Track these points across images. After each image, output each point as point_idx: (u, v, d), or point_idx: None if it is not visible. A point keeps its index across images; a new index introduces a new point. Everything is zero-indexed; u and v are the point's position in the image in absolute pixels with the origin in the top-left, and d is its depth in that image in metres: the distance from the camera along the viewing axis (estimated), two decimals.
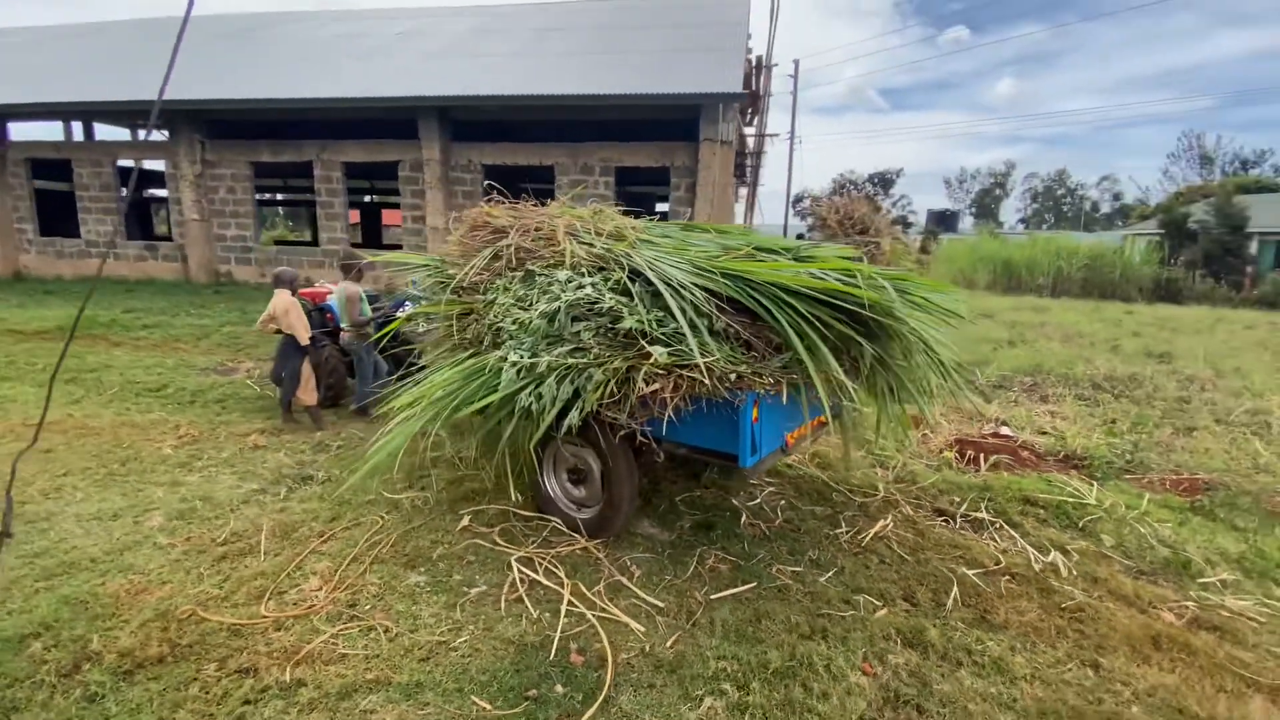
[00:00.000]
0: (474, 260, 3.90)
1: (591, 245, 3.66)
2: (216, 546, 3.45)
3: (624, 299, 3.27)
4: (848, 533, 3.86)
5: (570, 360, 3.15)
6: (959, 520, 4.05)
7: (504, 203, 4.35)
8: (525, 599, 3.06)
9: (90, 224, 14.05)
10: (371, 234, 23.30)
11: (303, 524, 3.71)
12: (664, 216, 17.23)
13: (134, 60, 15.06)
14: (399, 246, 16.40)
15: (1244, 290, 21.34)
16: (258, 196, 13.88)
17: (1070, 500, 4.24)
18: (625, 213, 4.33)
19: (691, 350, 2.87)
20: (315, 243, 13.80)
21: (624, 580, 3.27)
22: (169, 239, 15.32)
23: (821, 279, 2.98)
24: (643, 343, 3.10)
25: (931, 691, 2.53)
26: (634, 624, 2.92)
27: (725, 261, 3.23)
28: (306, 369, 5.43)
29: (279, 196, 24.83)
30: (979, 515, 4.08)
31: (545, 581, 3.21)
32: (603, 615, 2.96)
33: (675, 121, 11.85)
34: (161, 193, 20.47)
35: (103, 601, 2.94)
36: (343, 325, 5.68)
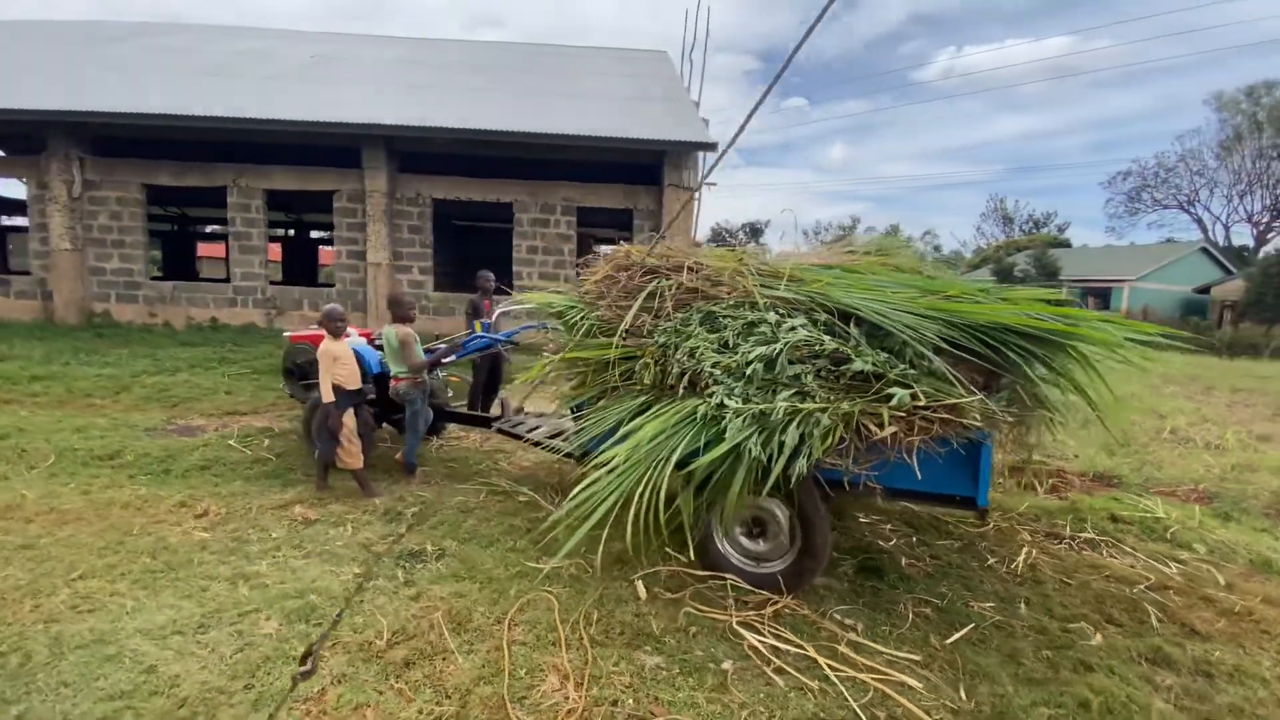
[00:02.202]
0: (637, 301, 3.64)
1: (772, 286, 3.58)
2: (387, 651, 2.80)
3: (841, 340, 3.22)
4: (1000, 563, 4.00)
5: (803, 406, 3.02)
6: (1076, 541, 4.36)
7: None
8: (789, 669, 2.81)
9: None
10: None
11: (470, 610, 3.13)
12: None
13: None
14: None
15: None
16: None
17: (1147, 516, 4.75)
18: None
19: (954, 390, 2.88)
20: (227, 278, 11.99)
21: (853, 636, 3.12)
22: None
23: (1045, 320, 3.14)
24: (877, 385, 3.06)
25: (1217, 705, 2.67)
26: (912, 681, 2.79)
27: (940, 303, 3.29)
28: (350, 426, 4.66)
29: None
30: (1088, 535, 4.43)
31: (784, 647, 2.98)
32: (876, 677, 2.79)
33: (636, 166, 12.03)
34: None
35: None
36: (396, 372, 4.97)
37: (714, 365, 3.26)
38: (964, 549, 4.24)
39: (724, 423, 3.05)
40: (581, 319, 3.78)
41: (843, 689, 2.69)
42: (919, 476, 3.01)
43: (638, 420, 3.34)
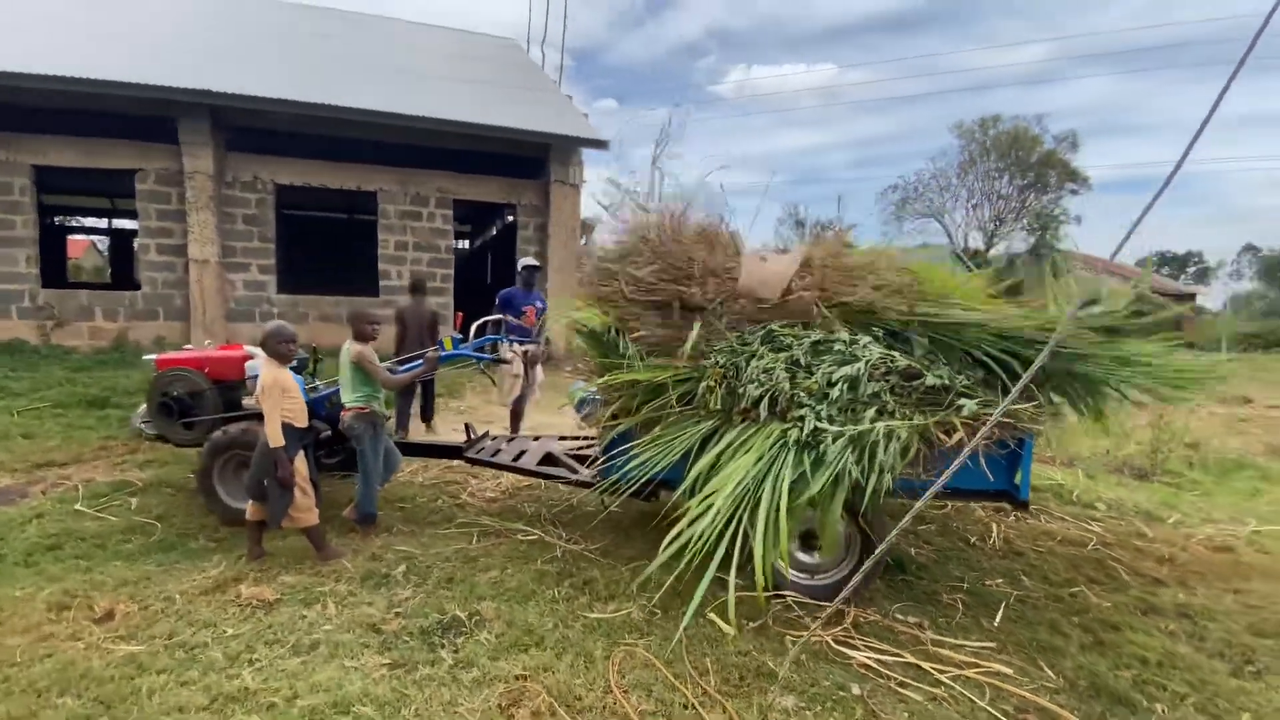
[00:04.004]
0: (696, 320, 3.40)
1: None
2: None
3: (907, 355, 3.33)
4: (979, 541, 4.48)
5: (895, 424, 3.07)
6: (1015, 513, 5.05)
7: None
8: (911, 682, 2.84)
9: None
10: None
11: (567, 685, 2.67)
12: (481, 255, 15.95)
13: None
14: None
15: None
16: None
17: (1051, 482, 5.66)
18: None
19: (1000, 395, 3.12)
20: None
21: (930, 634, 3.26)
22: None
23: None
24: (948, 397, 3.21)
25: (1215, 641, 3.25)
26: (1004, 668, 2.98)
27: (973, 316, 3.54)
28: (304, 473, 3.74)
29: None
30: None
31: (883, 658, 3.01)
32: (979, 672, 2.94)
33: (516, 158, 11.32)
34: None
35: None
36: (344, 401, 4.08)
37: (794, 386, 3.17)
38: (942, 531, 4.67)
39: (823, 447, 2.98)
40: (621, 338, 3.42)
41: (965, 692, 2.79)
42: (990, 479, 3.23)
43: (717, 449, 3.13)
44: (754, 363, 3.28)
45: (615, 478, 3.32)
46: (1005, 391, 3.28)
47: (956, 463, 2.56)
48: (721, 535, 2.79)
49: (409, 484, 5.21)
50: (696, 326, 3.37)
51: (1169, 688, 2.85)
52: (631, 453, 3.30)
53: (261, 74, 9.87)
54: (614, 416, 3.51)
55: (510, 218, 16.21)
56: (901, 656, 3.01)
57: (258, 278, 10.03)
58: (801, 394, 3.15)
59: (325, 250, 14.84)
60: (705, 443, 3.27)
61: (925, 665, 2.95)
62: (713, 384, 3.30)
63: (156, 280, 9.51)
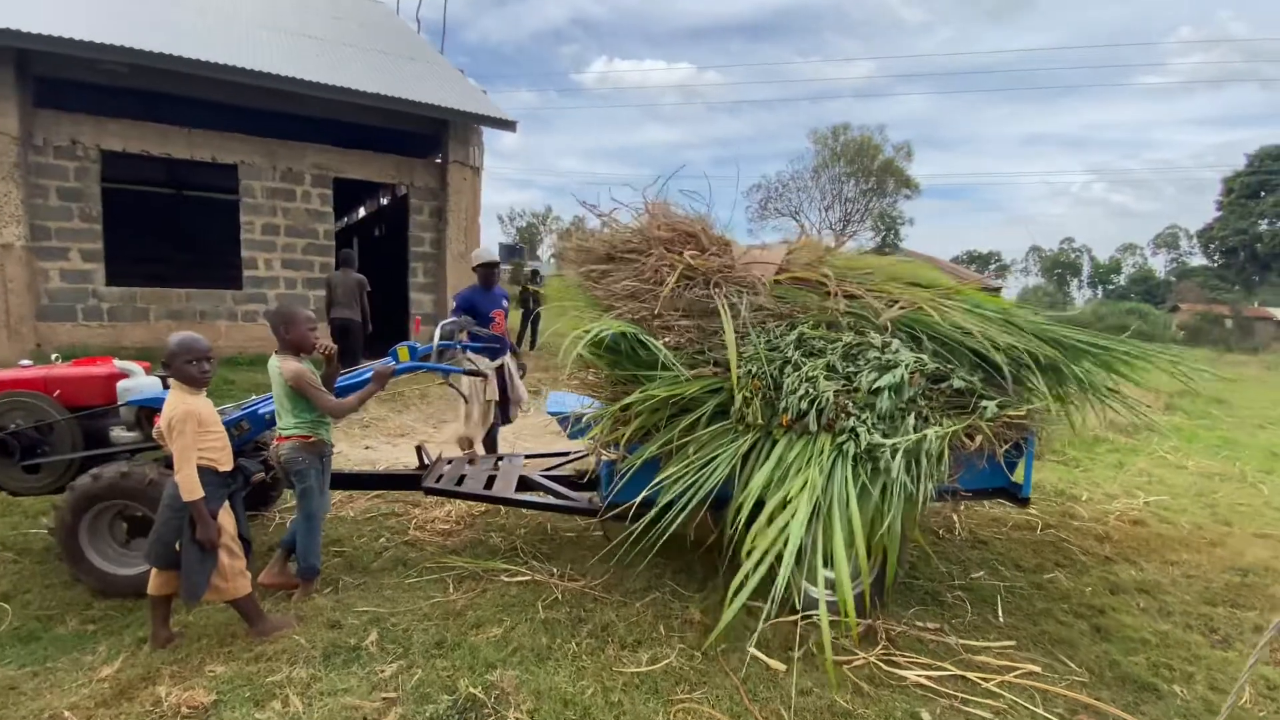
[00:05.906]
0: (727, 324, 3.08)
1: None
2: None
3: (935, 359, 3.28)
4: (946, 534, 4.65)
5: (944, 430, 2.99)
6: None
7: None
8: (973, 698, 2.78)
9: None
10: None
11: None
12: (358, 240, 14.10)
13: None
14: None
15: None
16: None
17: None
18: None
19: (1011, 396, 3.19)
20: None
21: (958, 639, 3.26)
22: None
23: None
24: (973, 400, 3.21)
25: (1178, 614, 3.58)
26: (1034, 667, 3.03)
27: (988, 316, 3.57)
28: (230, 530, 2.91)
29: None
30: None
31: (931, 673, 2.94)
32: (1019, 675, 2.97)
33: (405, 134, 10.13)
34: None
35: None
36: (281, 429, 3.24)
37: (838, 395, 2.98)
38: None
39: (881, 460, 2.82)
40: (643, 345, 3.03)
41: (1019, 700, 2.78)
42: (1010, 478, 3.28)
43: (769, 466, 2.86)
44: (791, 371, 3.05)
45: (660, 506, 2.92)
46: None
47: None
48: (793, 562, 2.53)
49: (340, 520, 4.36)
50: (730, 329, 3.04)
51: (1175, 668, 3.06)
52: (672, 476, 2.92)
53: (85, 15, 7.79)
54: (629, 438, 3.11)
55: (385, 199, 14.73)
56: (946, 669, 2.96)
57: (80, 266, 8.00)
58: (847, 403, 2.97)
59: (169, 233, 12.37)
60: (744, 460, 3.00)
61: (970, 675, 2.92)
62: (749, 395, 3.02)
63: None
